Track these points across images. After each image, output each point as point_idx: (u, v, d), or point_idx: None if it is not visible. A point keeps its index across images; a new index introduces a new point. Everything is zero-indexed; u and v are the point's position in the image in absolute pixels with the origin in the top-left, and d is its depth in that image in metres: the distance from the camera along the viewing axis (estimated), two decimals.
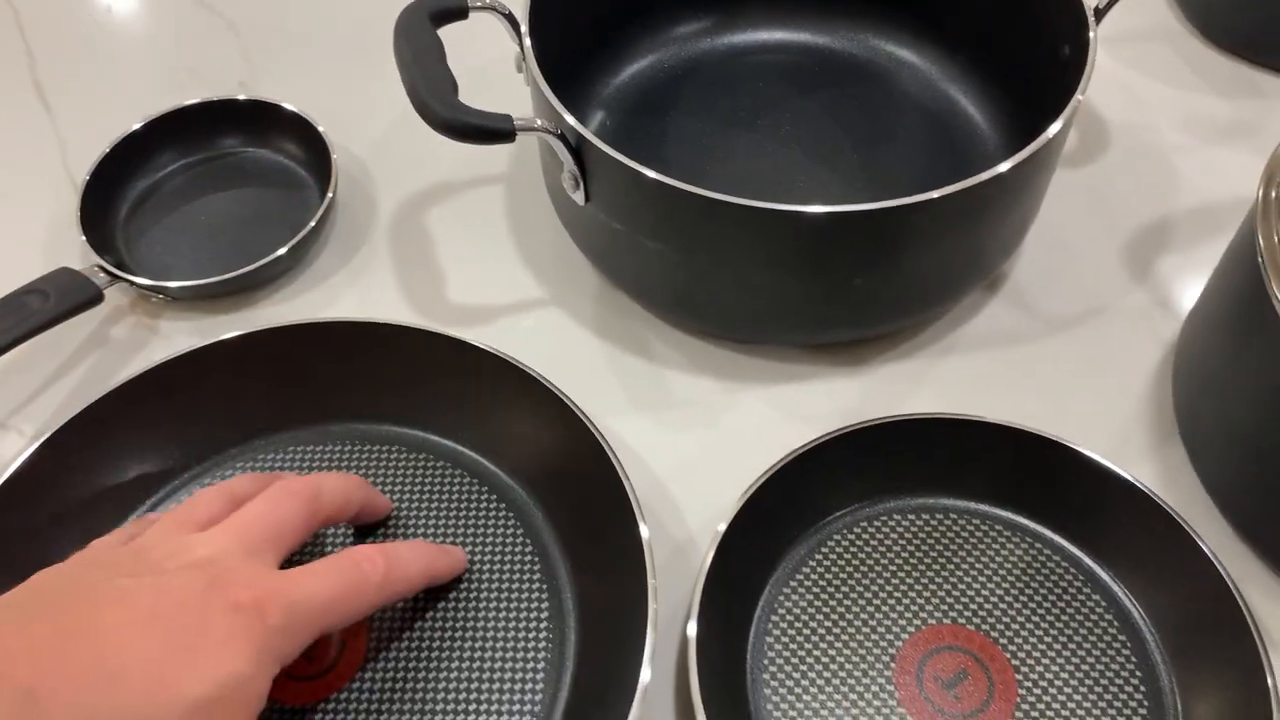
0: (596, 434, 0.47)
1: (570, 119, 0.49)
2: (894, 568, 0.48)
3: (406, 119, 0.50)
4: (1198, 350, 0.50)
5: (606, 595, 0.45)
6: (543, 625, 0.46)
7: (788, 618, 0.47)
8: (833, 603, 0.47)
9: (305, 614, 0.38)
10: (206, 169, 0.63)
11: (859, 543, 0.49)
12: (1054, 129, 0.48)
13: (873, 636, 0.46)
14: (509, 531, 0.49)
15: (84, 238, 0.57)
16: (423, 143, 0.56)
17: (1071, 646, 0.46)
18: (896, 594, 0.47)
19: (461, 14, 0.53)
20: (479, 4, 0.53)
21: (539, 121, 0.49)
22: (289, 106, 0.62)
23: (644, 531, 0.44)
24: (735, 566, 0.46)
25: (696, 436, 0.53)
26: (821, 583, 0.48)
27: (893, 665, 0.46)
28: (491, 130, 0.48)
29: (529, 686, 0.45)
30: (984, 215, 0.50)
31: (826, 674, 0.45)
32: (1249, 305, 0.44)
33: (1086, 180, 0.63)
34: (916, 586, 0.48)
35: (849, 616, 0.47)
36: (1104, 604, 0.47)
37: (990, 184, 0.47)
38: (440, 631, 0.46)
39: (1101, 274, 0.59)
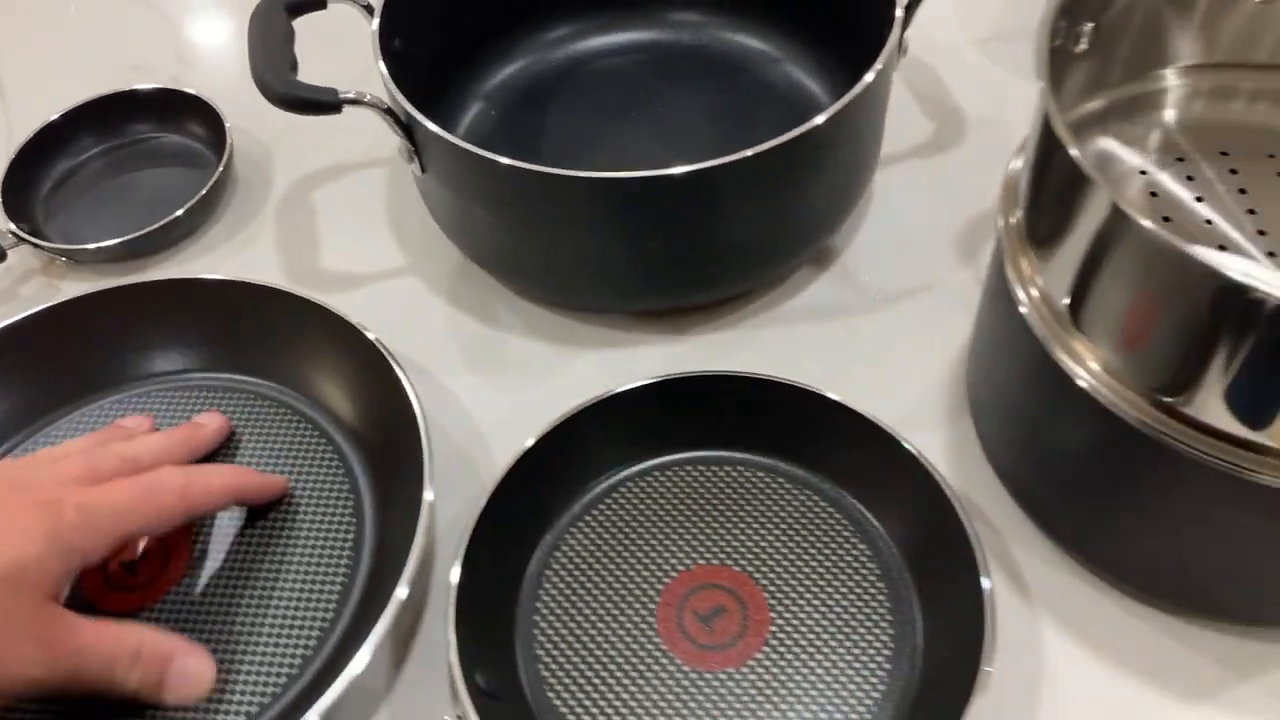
0: (410, 393, 0.51)
1: (398, 94, 0.54)
2: (671, 515, 0.51)
3: None
4: (978, 328, 0.53)
5: (398, 537, 0.50)
6: (345, 552, 0.51)
7: (565, 563, 0.50)
8: (608, 548, 0.51)
9: (101, 513, 0.44)
10: (123, 153, 0.69)
11: (641, 493, 0.52)
12: (867, 76, 0.52)
13: (642, 575, 0.50)
14: (330, 471, 0.54)
15: (1, 208, 0.64)
16: (321, 130, 0.62)
17: (831, 589, 0.49)
18: (669, 538, 0.51)
19: (320, 4, 0.59)
20: None
21: (368, 96, 0.54)
22: (195, 93, 0.68)
23: (428, 495, 0.48)
24: (512, 515, 0.49)
25: (527, 396, 0.57)
26: (601, 530, 0.51)
27: (656, 600, 0.49)
28: (317, 102, 0.53)
29: (323, 601, 0.49)
30: (802, 174, 0.54)
31: (593, 613, 0.49)
32: (996, 281, 0.47)
33: (936, 170, 0.66)
34: (690, 531, 0.51)
35: (621, 560, 0.50)
36: (869, 552, 0.50)
37: (800, 142, 0.51)
38: (254, 550, 0.51)
39: (933, 256, 0.61)
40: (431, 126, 0.53)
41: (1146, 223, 0.35)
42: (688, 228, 0.54)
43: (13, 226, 0.63)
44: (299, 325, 0.56)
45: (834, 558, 0.50)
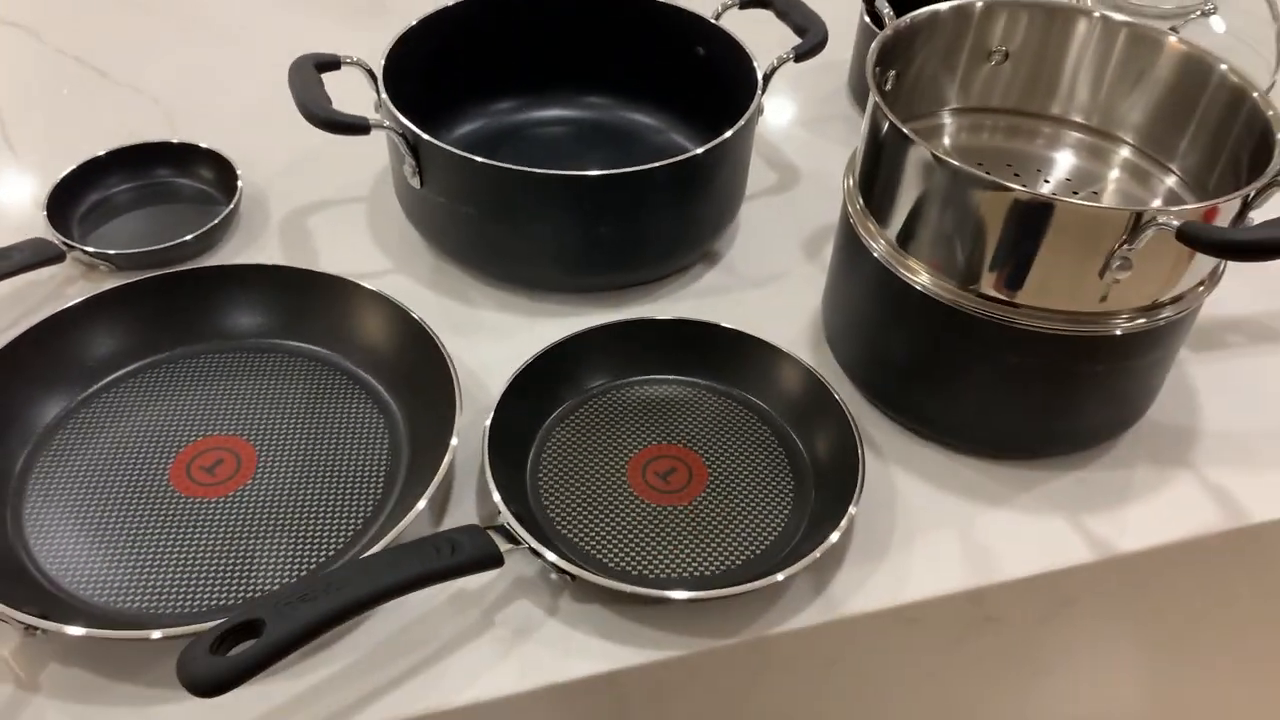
0: (435, 337, 0.69)
1: (409, 124, 0.73)
2: (630, 416, 0.71)
3: (298, 156, 0.74)
4: (833, 280, 0.76)
5: (429, 431, 0.67)
6: (383, 456, 0.67)
7: (557, 442, 0.69)
8: (587, 434, 0.69)
9: None
10: (146, 190, 0.85)
11: (609, 402, 0.71)
12: (728, 133, 0.75)
13: (614, 451, 0.68)
14: (363, 403, 0.70)
15: (51, 226, 0.78)
16: (309, 170, 0.79)
17: (748, 455, 0.69)
18: (630, 429, 0.70)
19: (335, 65, 0.78)
20: (349, 60, 0.78)
21: (386, 122, 0.73)
22: (207, 146, 0.85)
23: (458, 408, 0.66)
24: (515, 412, 0.67)
25: (503, 350, 0.75)
26: (582, 423, 0.70)
27: (626, 466, 0.67)
28: (352, 124, 0.72)
29: (371, 485, 0.65)
30: (689, 190, 0.76)
31: (582, 472, 0.67)
32: (848, 241, 0.69)
33: (783, 202, 0.90)
34: (644, 425, 0.70)
35: (597, 441, 0.69)
36: (772, 435, 0.70)
37: (688, 163, 0.74)
38: (312, 456, 0.67)
39: (788, 255, 0.85)
40: (437, 141, 0.72)
41: (949, 159, 0.59)
42: (617, 220, 0.75)
43: (60, 238, 0.77)
44: (335, 299, 0.73)
45: (747, 438, 0.70)
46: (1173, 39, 0.69)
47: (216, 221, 0.79)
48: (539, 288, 0.80)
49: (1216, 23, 1.08)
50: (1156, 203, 0.72)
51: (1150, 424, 0.73)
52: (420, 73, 0.83)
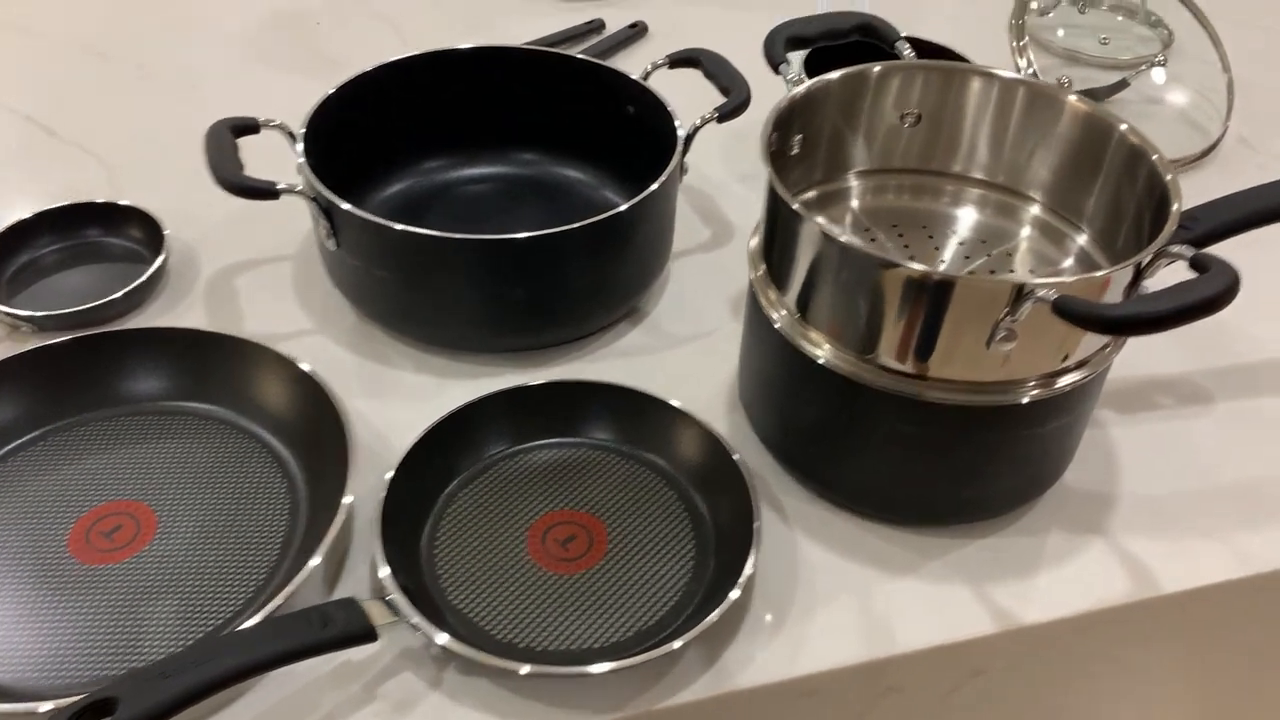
0: (335, 400, 0.69)
1: (321, 188, 0.74)
2: (530, 481, 0.70)
3: (232, 216, 0.75)
4: (744, 347, 0.75)
5: (328, 497, 0.66)
6: (283, 515, 0.67)
7: (457, 509, 0.68)
8: (489, 500, 0.69)
9: None
10: (76, 249, 0.86)
11: (516, 468, 0.71)
12: (643, 194, 0.75)
13: (515, 519, 0.68)
14: (265, 464, 0.70)
15: None
16: (242, 230, 0.80)
17: (648, 519, 0.69)
18: (533, 494, 0.69)
19: (254, 129, 0.79)
20: (269, 123, 0.79)
21: (299, 186, 0.74)
22: (135, 205, 0.86)
23: (351, 474, 0.65)
24: (411, 486, 0.67)
25: (416, 413, 0.74)
26: (486, 492, 0.69)
27: (526, 533, 0.67)
28: (261, 189, 0.73)
29: (269, 547, 0.65)
30: (607, 251, 0.76)
31: (480, 540, 0.66)
32: (753, 312, 0.69)
33: (713, 259, 0.90)
34: (543, 487, 0.70)
35: (500, 510, 0.68)
36: (677, 499, 0.70)
37: (604, 224, 0.74)
38: (212, 517, 0.67)
39: (714, 313, 0.84)
40: (346, 205, 0.73)
41: (841, 234, 0.58)
42: (534, 282, 0.75)
43: None
44: (242, 362, 0.73)
45: (652, 502, 0.69)
46: (1072, 98, 0.69)
47: (139, 282, 0.80)
48: (458, 348, 0.80)
49: (1160, 74, 1.08)
50: (1068, 262, 0.71)
51: (1065, 490, 0.72)
52: (351, 133, 0.84)
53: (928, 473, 0.66)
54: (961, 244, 0.72)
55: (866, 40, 0.75)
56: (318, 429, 0.69)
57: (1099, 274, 0.58)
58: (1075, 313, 0.53)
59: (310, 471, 0.69)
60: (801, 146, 0.71)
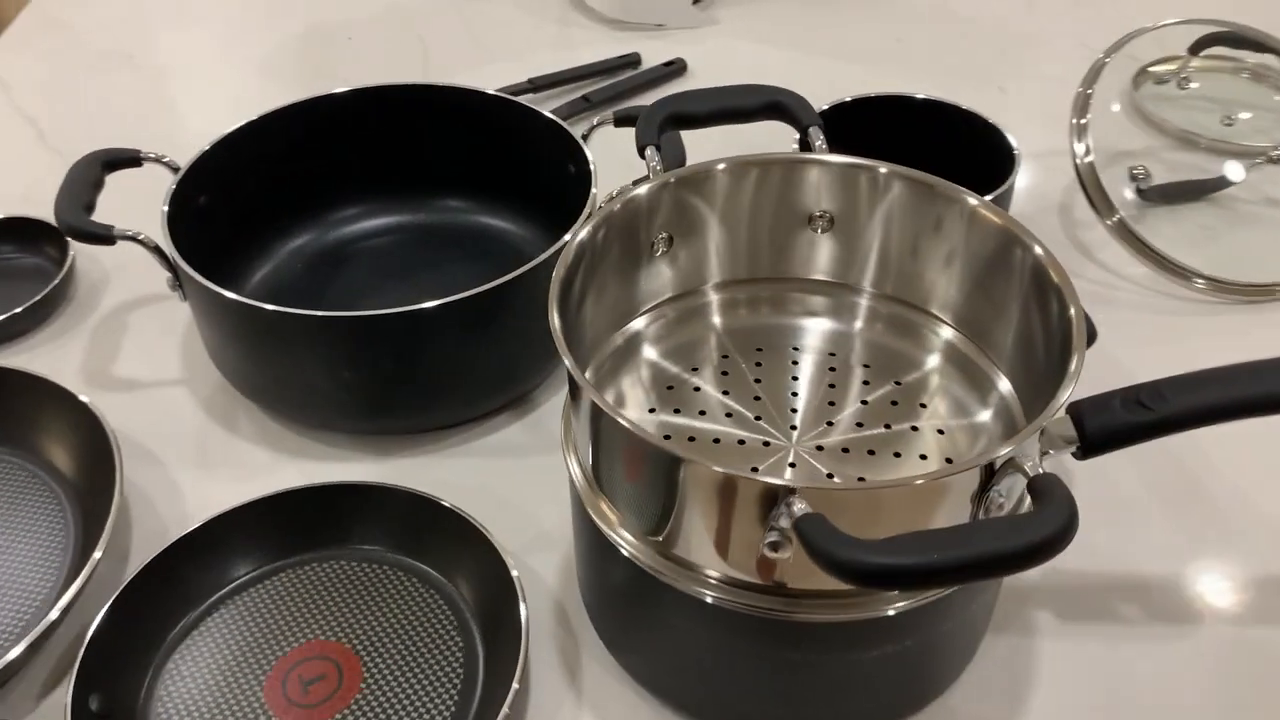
0: (119, 470, 0.63)
1: (167, 236, 0.67)
2: (285, 603, 0.61)
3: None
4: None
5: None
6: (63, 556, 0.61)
7: (196, 648, 0.59)
8: (239, 634, 0.60)
9: None
10: None
11: (273, 587, 0.62)
12: (522, 268, 0.65)
13: (256, 653, 0.59)
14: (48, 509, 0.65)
15: None
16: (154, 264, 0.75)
17: (419, 643, 0.59)
18: (281, 621, 0.60)
19: (135, 162, 0.74)
20: (152, 157, 0.74)
21: (141, 235, 0.68)
22: (49, 221, 0.82)
23: (96, 554, 0.58)
24: (143, 609, 0.59)
25: (232, 489, 0.67)
26: (235, 618, 0.60)
27: (268, 671, 0.58)
28: (96, 235, 0.67)
29: None
30: (480, 331, 0.66)
31: (213, 692, 0.57)
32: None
33: None
34: (299, 613, 0.60)
35: (246, 642, 0.59)
36: (445, 603, 0.61)
37: (476, 300, 0.63)
38: None
39: None
40: (183, 264, 0.66)
41: (622, 420, 0.45)
42: (381, 364, 0.66)
43: None
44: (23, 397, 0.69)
45: (425, 633, 0.60)
46: (972, 201, 0.53)
47: (17, 311, 0.77)
48: (306, 425, 0.72)
49: None
50: (985, 415, 0.55)
51: (948, 712, 0.56)
52: (252, 173, 0.78)
53: (728, 680, 0.53)
54: (864, 375, 0.58)
55: (779, 120, 0.61)
56: (94, 489, 0.64)
57: (925, 476, 0.43)
58: (810, 544, 0.39)
59: (86, 537, 0.64)
60: (668, 246, 0.59)
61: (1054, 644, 0.59)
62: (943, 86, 0.90)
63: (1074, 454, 0.53)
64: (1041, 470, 0.42)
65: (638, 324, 0.59)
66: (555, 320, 0.48)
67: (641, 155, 0.58)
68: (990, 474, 0.44)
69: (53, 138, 1.00)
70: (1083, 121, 0.85)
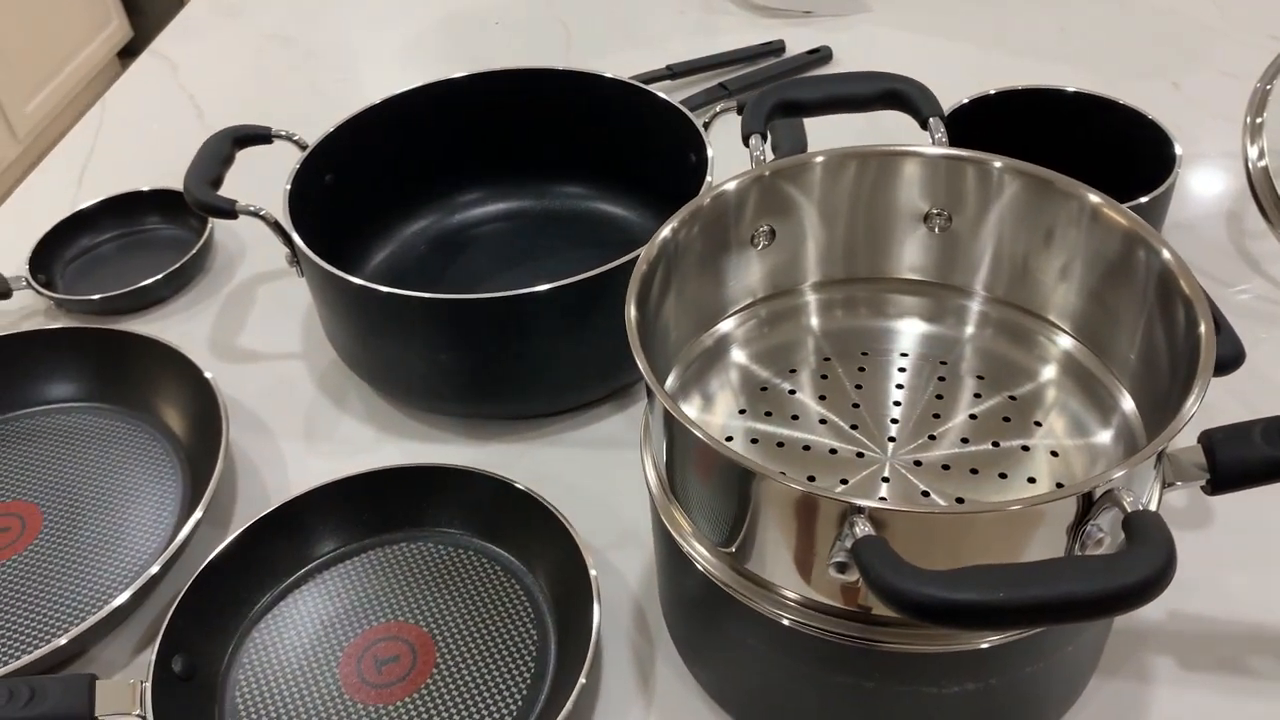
0: (225, 438, 0.65)
1: (286, 214, 0.69)
2: (367, 582, 0.61)
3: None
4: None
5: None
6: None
7: (282, 619, 0.60)
8: (315, 609, 0.61)
9: None
10: (136, 237, 0.88)
11: (354, 567, 0.62)
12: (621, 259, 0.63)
13: (336, 629, 0.59)
14: (161, 473, 0.68)
15: (27, 268, 0.82)
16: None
17: (494, 631, 0.59)
18: (363, 599, 0.61)
19: (266, 139, 0.76)
20: (282, 134, 0.76)
21: (262, 210, 0.70)
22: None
23: (196, 515, 0.61)
24: (234, 574, 0.60)
25: (331, 466, 0.68)
26: (312, 598, 0.61)
27: (346, 649, 0.59)
28: (219, 208, 0.69)
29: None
30: (588, 316, 0.65)
31: (291, 665, 0.58)
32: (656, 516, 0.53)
33: None
34: (381, 592, 0.61)
35: (326, 619, 0.60)
36: (524, 594, 0.60)
37: (585, 284, 0.62)
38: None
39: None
40: (298, 240, 0.67)
41: (685, 421, 0.42)
42: (488, 349, 0.66)
43: (28, 275, 0.81)
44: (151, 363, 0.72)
45: (499, 617, 0.59)
46: (1094, 199, 0.48)
47: (156, 279, 0.80)
48: (411, 405, 0.73)
49: None
50: (1106, 436, 0.51)
51: None
52: (375, 157, 0.79)
53: (800, 704, 0.50)
54: (958, 380, 0.54)
55: (900, 111, 0.57)
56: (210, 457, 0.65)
57: (1000, 505, 0.39)
58: (866, 570, 0.36)
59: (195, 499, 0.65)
60: (769, 240, 0.56)
61: (1172, 693, 0.54)
62: (1108, 81, 0.84)
63: (1203, 488, 0.48)
64: (1142, 506, 0.37)
65: (728, 324, 0.57)
66: (631, 315, 0.46)
67: (746, 144, 0.56)
68: (1088, 505, 0.40)
69: (210, 116, 1.05)
70: (1259, 120, 0.77)
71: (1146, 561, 0.34)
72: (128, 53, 2.69)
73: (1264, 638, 0.56)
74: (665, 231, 0.49)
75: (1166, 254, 0.46)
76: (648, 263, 0.48)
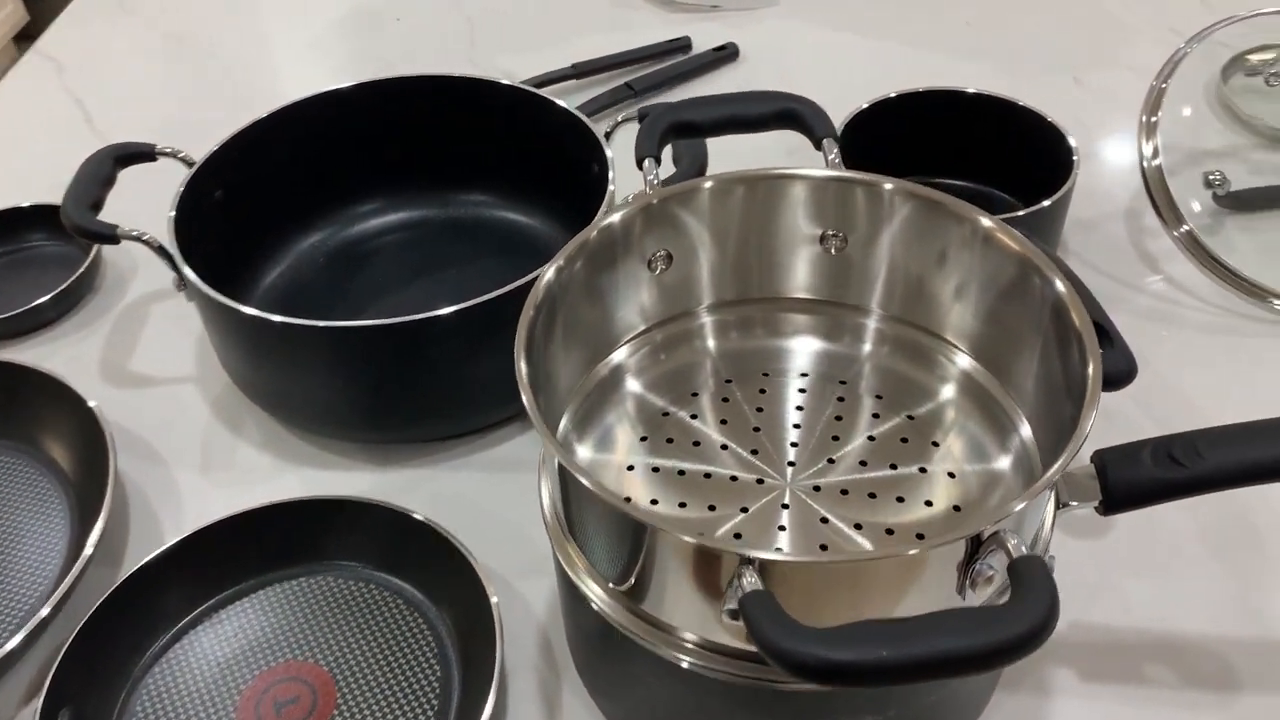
0: (112, 471, 0.62)
1: (172, 237, 0.66)
2: (266, 620, 0.60)
3: None
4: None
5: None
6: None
7: (176, 664, 0.58)
8: (211, 652, 0.58)
9: None
10: (18, 256, 0.85)
11: (249, 607, 0.61)
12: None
13: (234, 672, 0.58)
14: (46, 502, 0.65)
15: None
16: None
17: (396, 668, 0.57)
18: (261, 639, 0.59)
19: (150, 157, 0.73)
20: (166, 151, 0.73)
21: (146, 235, 0.67)
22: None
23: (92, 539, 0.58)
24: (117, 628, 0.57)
25: (227, 496, 0.67)
26: (208, 639, 0.59)
27: (244, 692, 0.57)
28: (99, 234, 0.66)
29: None
30: (478, 343, 0.63)
31: (186, 713, 0.56)
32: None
33: None
34: (279, 631, 0.59)
35: (219, 658, 0.58)
36: (427, 627, 0.59)
37: (486, 306, 0.61)
38: None
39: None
40: (183, 267, 0.65)
41: (603, 493, 0.41)
42: (382, 376, 0.64)
43: None
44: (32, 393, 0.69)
45: (404, 652, 0.58)
46: (985, 222, 0.48)
47: (42, 301, 0.77)
48: (309, 431, 0.71)
49: None
50: (1005, 461, 0.51)
51: None
52: (268, 170, 0.76)
53: None
54: (857, 400, 0.54)
55: (794, 130, 0.56)
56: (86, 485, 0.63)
57: (882, 554, 0.39)
58: (752, 628, 0.35)
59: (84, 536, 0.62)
60: (666, 264, 0.55)
61: (1072, 705, 0.55)
62: (1013, 76, 0.83)
63: (1096, 508, 0.49)
64: (1025, 550, 0.37)
65: (621, 353, 0.56)
66: (522, 370, 0.44)
67: (639, 168, 0.55)
68: (976, 546, 0.40)
69: (100, 121, 1.00)
70: (1153, 119, 0.78)
71: (1028, 615, 0.34)
72: (24, 37, 2.58)
73: (1163, 646, 0.57)
74: (549, 273, 0.48)
75: (1059, 284, 0.46)
76: (534, 307, 0.46)
